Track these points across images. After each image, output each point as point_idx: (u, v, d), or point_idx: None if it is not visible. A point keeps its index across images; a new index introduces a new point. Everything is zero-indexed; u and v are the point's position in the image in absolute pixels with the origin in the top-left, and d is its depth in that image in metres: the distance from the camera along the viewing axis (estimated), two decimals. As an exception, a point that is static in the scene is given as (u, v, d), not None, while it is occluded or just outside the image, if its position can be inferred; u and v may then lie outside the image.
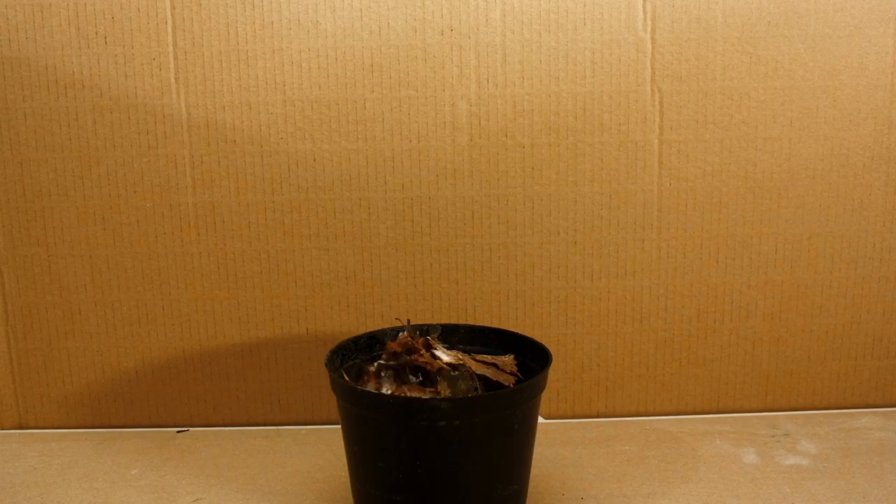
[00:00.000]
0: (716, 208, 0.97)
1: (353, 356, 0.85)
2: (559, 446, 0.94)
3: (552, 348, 0.96)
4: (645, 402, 1.01)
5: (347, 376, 0.81)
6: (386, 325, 0.98)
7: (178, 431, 1.00)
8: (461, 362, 0.81)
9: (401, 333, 0.83)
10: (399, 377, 0.80)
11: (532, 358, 0.83)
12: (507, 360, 0.83)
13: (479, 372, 0.81)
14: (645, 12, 0.94)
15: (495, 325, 0.98)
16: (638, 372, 1.00)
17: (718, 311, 0.99)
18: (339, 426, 0.80)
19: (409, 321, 0.87)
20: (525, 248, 0.98)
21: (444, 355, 0.81)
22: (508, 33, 0.94)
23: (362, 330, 0.98)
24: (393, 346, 0.81)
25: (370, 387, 0.80)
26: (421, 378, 0.80)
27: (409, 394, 0.78)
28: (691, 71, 0.95)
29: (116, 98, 0.95)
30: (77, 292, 0.98)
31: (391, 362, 0.81)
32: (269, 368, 0.99)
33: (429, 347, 0.81)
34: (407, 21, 0.94)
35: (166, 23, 0.93)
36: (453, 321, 0.98)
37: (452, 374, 0.80)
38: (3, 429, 1.01)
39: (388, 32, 0.94)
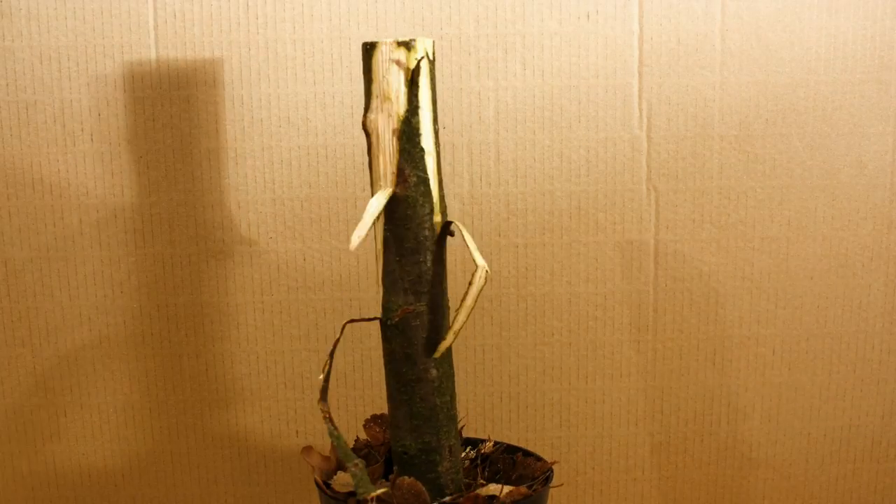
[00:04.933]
0: (712, 309, 0.95)
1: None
2: (553, 553, 0.92)
3: (545, 452, 0.95)
4: (640, 506, 0.99)
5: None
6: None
7: (166, 532, 0.98)
8: None
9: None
10: None
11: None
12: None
13: None
14: (640, 110, 0.92)
15: (488, 428, 0.97)
16: (633, 475, 0.98)
17: (715, 414, 0.97)
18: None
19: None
20: (518, 350, 0.96)
21: None
22: (502, 131, 0.92)
23: (353, 433, 0.96)
24: None
25: None
26: None
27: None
28: (688, 169, 0.93)
29: (103, 197, 0.93)
30: (62, 394, 0.96)
31: None
32: (258, 472, 0.97)
33: None
34: (399, 119, 0.92)
35: (154, 120, 0.92)
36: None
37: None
38: (-13, 529, 0.99)
39: (380, 130, 0.92)
